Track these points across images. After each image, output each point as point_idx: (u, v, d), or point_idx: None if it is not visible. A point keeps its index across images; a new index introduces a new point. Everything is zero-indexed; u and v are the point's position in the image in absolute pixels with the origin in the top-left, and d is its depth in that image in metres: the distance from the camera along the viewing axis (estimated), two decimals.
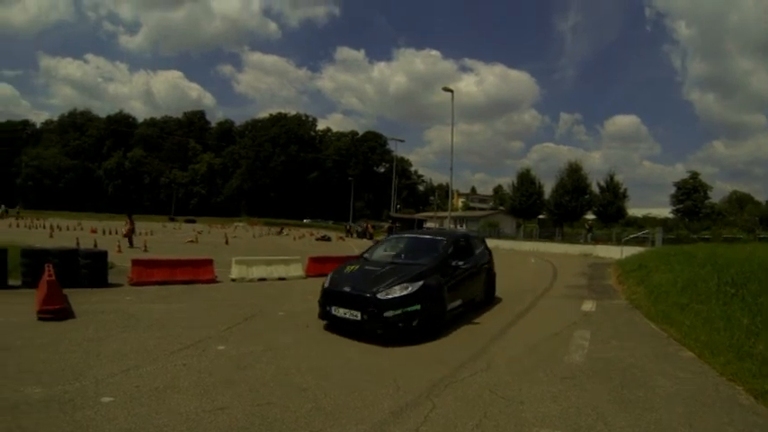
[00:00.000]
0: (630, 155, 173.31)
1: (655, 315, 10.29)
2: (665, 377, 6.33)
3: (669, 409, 5.25)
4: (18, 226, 40.37)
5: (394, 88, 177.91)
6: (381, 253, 11.01)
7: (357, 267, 9.54)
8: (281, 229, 53.66)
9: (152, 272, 13.59)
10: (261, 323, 9.31)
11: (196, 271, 14.43)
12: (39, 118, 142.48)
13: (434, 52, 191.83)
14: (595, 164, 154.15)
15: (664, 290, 12.18)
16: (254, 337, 8.02)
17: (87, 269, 12.29)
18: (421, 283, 8.37)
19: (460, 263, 10.14)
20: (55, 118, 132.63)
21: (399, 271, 8.90)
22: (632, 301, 12.80)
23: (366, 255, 10.82)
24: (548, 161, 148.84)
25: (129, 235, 26.18)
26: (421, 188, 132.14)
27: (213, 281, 14.36)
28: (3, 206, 67.37)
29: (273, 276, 15.75)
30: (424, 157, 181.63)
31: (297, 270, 16.76)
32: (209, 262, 14.96)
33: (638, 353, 7.53)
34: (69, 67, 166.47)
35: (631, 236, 34.94)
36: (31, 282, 11.00)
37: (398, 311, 7.94)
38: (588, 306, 12.09)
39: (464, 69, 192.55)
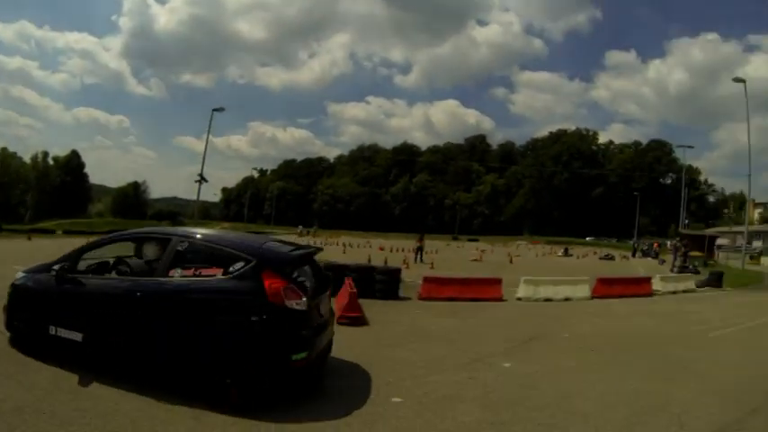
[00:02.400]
0: None
1: None
2: None
3: None
4: (314, 243, 45.30)
5: (674, 87, 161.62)
6: None
7: None
8: (566, 249, 51.69)
9: (441, 289, 14.14)
10: (545, 344, 9.16)
11: (484, 289, 14.68)
12: (331, 154, 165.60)
13: (711, 35, 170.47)
14: None
15: None
16: (538, 358, 7.94)
17: (381, 284, 13.34)
18: None
19: None
20: (346, 153, 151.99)
21: None
22: None
23: None
24: None
25: (419, 251, 28.70)
26: (712, 199, 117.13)
27: (500, 299, 14.43)
28: (301, 226, 77.93)
29: (559, 297, 15.40)
30: (715, 162, 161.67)
31: (583, 291, 16.25)
32: (497, 281, 15.15)
33: None
34: (353, 109, 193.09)
35: None
36: (332, 292, 11.89)
37: None
38: None
39: (750, 49, 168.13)
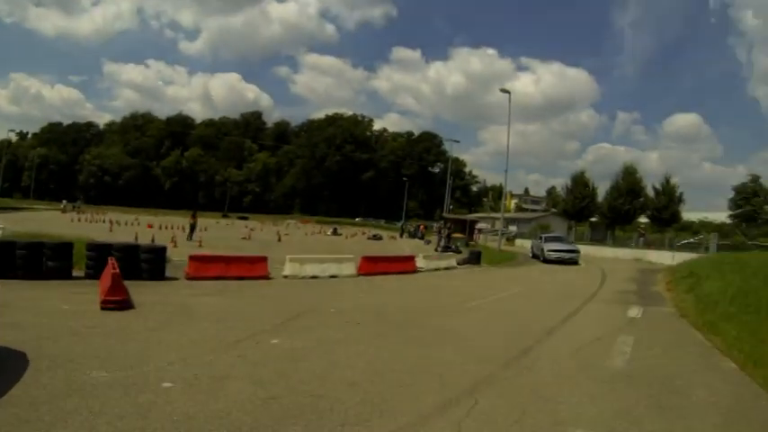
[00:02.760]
0: (689, 156, 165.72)
1: (701, 324, 10.14)
2: (704, 387, 6.28)
3: (704, 418, 5.23)
4: (80, 220, 41.83)
5: (450, 88, 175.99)
6: None
7: None
8: (335, 228, 53.76)
9: (208, 267, 14.06)
10: (313, 319, 9.56)
11: (250, 267, 14.85)
12: (102, 120, 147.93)
13: (491, 51, 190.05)
14: (652, 165, 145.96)
15: (713, 299, 11.98)
16: (306, 333, 8.27)
17: (147, 263, 12.79)
18: None
19: None
20: (117, 119, 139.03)
21: None
22: (680, 309, 12.64)
23: None
24: (603, 162, 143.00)
25: (192, 229, 28.77)
26: (474, 189, 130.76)
27: (266, 277, 14.71)
28: (65, 201, 70.57)
29: (325, 274, 16.04)
30: (479, 157, 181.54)
31: (349, 269, 17.07)
32: (263, 259, 15.37)
33: (679, 361, 7.58)
34: (132, 72, 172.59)
35: (684, 241, 34.28)
36: (93, 273, 11.56)
37: None
38: (634, 312, 11.99)
39: (521, 68, 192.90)
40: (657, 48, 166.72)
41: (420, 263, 20.76)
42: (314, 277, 15.57)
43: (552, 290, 17.13)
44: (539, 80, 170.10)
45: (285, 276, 15.18)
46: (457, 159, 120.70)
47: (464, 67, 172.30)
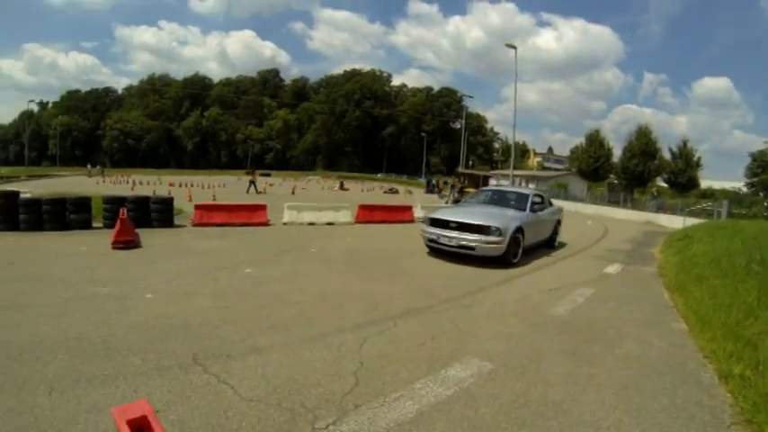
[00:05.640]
0: (720, 122, 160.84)
1: (673, 285, 9.66)
2: (637, 342, 6.11)
3: (616, 369, 5.15)
4: (104, 182, 44.27)
5: (470, 43, 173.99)
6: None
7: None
8: (342, 183, 54.49)
9: (212, 215, 15.48)
10: (292, 256, 10.86)
11: (251, 214, 16.19)
12: (120, 84, 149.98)
13: (510, 5, 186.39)
14: (680, 129, 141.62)
15: (693, 261, 11.55)
16: (280, 266, 9.62)
17: (157, 213, 14.39)
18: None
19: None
20: (135, 83, 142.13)
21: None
22: (661, 269, 12.16)
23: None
24: (629, 124, 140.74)
25: (251, 184, 33.99)
26: (497, 146, 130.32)
27: (267, 224, 16.03)
28: (89, 165, 72.91)
29: (322, 221, 17.25)
30: (503, 114, 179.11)
31: (346, 216, 18.15)
32: (262, 207, 16.70)
33: (629, 316, 7.33)
34: (144, 34, 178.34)
35: (697, 206, 33.10)
36: (110, 223, 12.99)
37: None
38: (612, 269, 11.69)
39: (542, 24, 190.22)
40: (685, 7, 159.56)
41: (418, 213, 21.07)
42: (311, 224, 16.81)
43: None
44: (561, 37, 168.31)
45: (284, 223, 16.38)
46: (478, 115, 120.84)
47: (483, 22, 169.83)
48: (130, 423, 2.11)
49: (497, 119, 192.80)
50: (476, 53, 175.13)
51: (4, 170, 67.14)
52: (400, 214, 20.42)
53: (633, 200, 41.12)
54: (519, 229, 11.12)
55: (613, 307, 7.83)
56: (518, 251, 11.22)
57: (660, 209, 35.79)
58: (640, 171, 49.80)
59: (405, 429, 3.70)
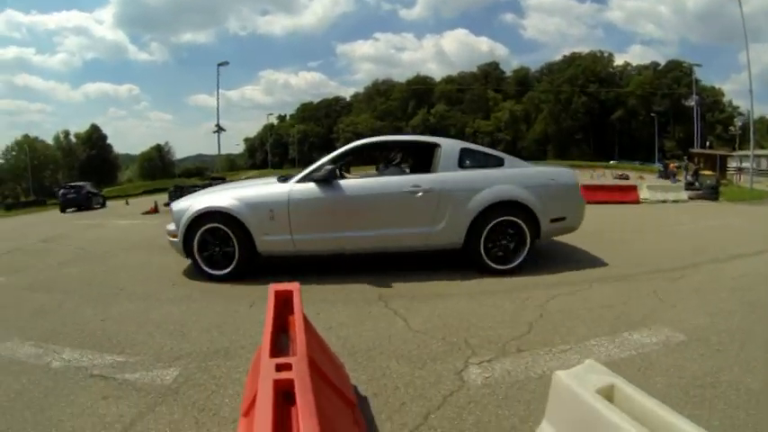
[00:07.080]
0: None
1: None
2: None
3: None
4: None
5: (692, 3, 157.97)
6: None
7: None
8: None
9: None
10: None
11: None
12: (347, 93, 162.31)
13: None
14: None
15: None
16: None
17: None
18: None
19: None
20: (361, 91, 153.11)
21: None
22: None
23: None
24: None
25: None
26: (739, 123, 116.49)
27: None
28: None
29: None
30: (743, 84, 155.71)
31: None
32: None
33: None
34: (363, 47, 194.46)
35: None
36: None
37: None
38: None
39: None
40: None
41: (644, 194, 20.56)
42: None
43: None
44: None
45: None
46: (713, 89, 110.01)
47: None
48: (278, 294, 2.85)
49: (736, 90, 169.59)
50: (701, 16, 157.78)
51: (253, 172, 78.83)
52: (624, 195, 20.27)
53: None
54: None
55: None
56: None
57: None
58: None
59: None
